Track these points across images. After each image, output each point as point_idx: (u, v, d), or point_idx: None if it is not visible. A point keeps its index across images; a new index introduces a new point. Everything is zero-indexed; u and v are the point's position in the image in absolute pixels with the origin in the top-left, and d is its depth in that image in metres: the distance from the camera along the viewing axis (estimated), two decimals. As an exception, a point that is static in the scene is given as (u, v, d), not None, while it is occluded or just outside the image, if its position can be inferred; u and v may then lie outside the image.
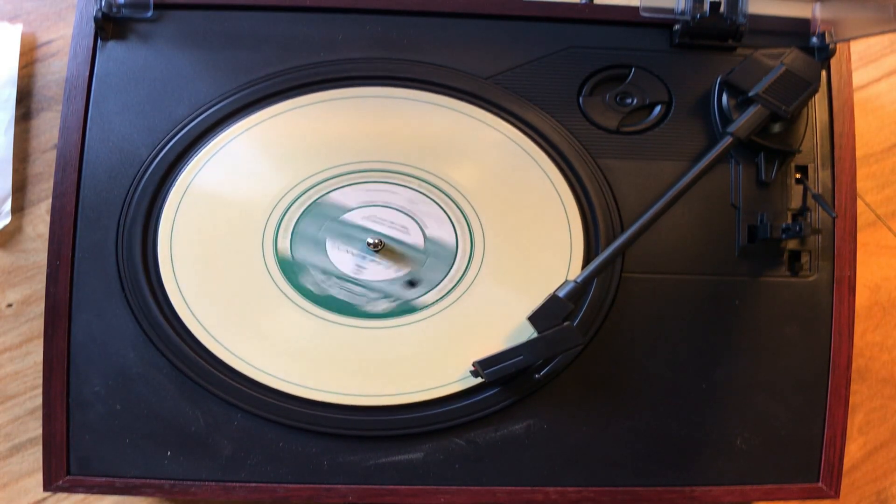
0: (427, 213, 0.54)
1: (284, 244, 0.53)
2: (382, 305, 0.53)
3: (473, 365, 0.51)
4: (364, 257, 0.53)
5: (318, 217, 0.54)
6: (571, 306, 0.50)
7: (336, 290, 0.53)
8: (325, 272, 0.53)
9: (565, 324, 0.50)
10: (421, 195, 0.54)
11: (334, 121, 0.55)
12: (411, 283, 0.53)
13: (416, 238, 0.54)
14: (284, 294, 0.53)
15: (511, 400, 0.52)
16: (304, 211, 0.54)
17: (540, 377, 0.52)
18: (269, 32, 0.55)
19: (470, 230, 0.54)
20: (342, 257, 0.53)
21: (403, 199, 0.54)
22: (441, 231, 0.54)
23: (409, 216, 0.54)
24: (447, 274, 0.54)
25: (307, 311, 0.53)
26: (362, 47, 0.55)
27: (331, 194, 0.54)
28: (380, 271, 0.53)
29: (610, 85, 0.56)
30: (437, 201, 0.54)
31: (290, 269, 0.53)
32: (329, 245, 0.54)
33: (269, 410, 0.52)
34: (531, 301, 0.51)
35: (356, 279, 0.53)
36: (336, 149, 0.54)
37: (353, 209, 0.54)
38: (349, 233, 0.54)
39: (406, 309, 0.53)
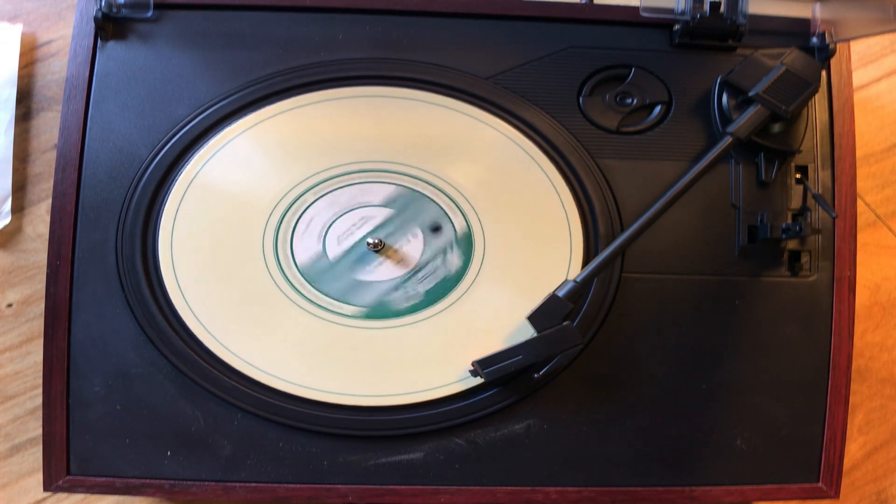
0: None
1: (285, 244, 0.53)
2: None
3: (473, 364, 0.51)
4: (366, 258, 0.53)
5: (319, 217, 0.54)
6: (571, 306, 0.50)
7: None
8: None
9: (565, 323, 0.50)
10: (421, 195, 0.54)
11: (334, 121, 0.55)
12: (435, 229, 0.52)
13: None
14: (285, 294, 0.53)
15: (511, 400, 0.52)
16: (304, 211, 0.54)
17: (539, 377, 0.52)
18: (269, 32, 0.55)
19: (470, 230, 0.54)
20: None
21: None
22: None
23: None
24: (447, 274, 0.54)
25: (307, 310, 0.53)
26: (362, 47, 0.55)
27: (331, 194, 0.54)
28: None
29: (610, 85, 0.56)
30: (437, 201, 0.54)
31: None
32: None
33: (269, 410, 0.52)
34: (531, 301, 0.51)
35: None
36: (336, 149, 0.54)
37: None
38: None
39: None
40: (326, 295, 0.53)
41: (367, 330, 0.53)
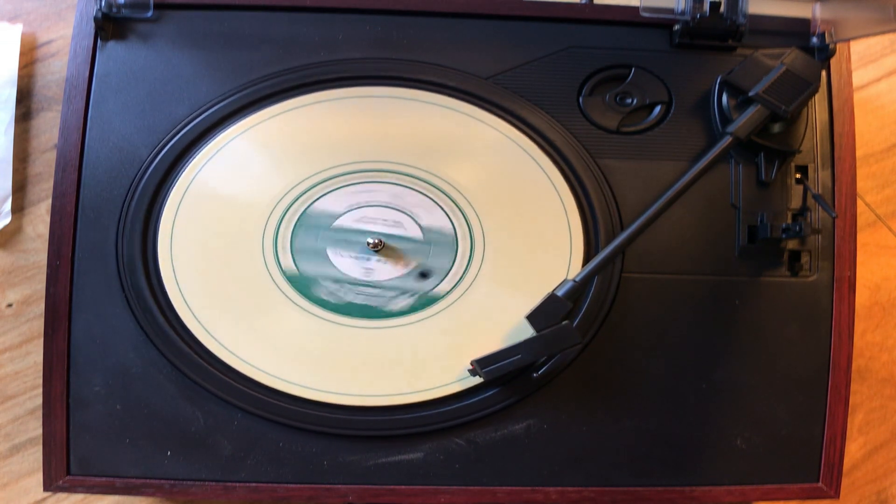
0: (419, 204, 0.54)
1: (285, 244, 0.53)
2: (403, 302, 0.53)
3: (471, 364, 0.51)
4: (367, 259, 0.53)
5: (319, 218, 0.54)
6: (570, 305, 0.50)
7: (352, 296, 0.53)
8: (335, 280, 0.53)
9: (563, 323, 0.50)
10: (420, 194, 0.54)
11: (334, 121, 0.55)
12: (423, 275, 0.53)
13: (413, 231, 0.54)
14: (284, 294, 0.53)
15: (511, 400, 0.52)
16: (304, 211, 0.54)
17: (538, 376, 0.52)
18: (269, 32, 0.55)
19: (470, 230, 0.54)
20: (345, 261, 0.53)
21: (392, 195, 0.54)
22: (435, 219, 0.54)
23: (401, 211, 0.54)
24: (447, 274, 0.54)
25: (307, 311, 0.53)
26: (362, 47, 0.55)
27: (331, 194, 0.54)
28: (386, 270, 0.53)
29: (610, 85, 0.56)
30: (438, 201, 0.54)
31: (295, 277, 0.53)
32: (330, 249, 0.54)
33: (269, 410, 0.52)
34: (531, 301, 0.51)
35: (367, 281, 0.53)
36: (336, 149, 0.54)
37: (350, 211, 0.54)
38: (348, 236, 0.54)
39: (425, 302, 0.53)
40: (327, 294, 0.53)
41: (367, 330, 0.53)
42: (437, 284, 0.53)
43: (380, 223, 0.54)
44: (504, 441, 0.53)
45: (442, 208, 0.54)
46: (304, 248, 0.53)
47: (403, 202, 0.54)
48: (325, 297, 0.53)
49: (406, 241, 0.54)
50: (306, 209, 0.54)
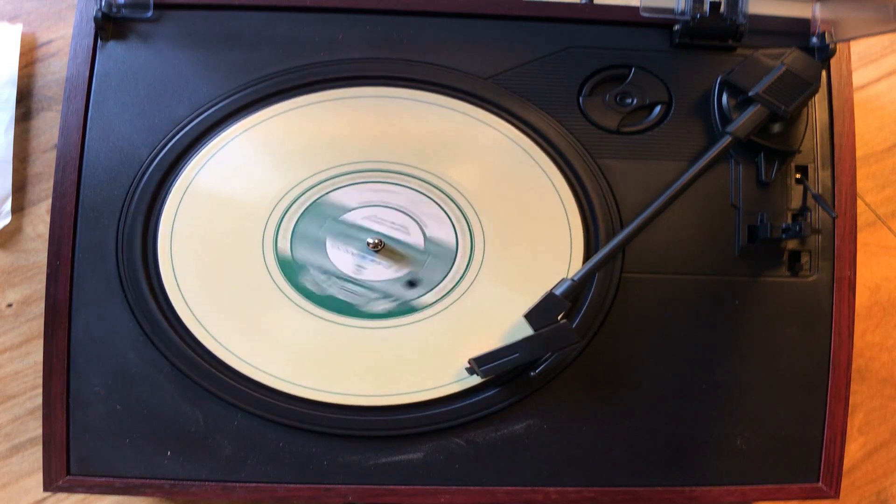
0: (427, 212, 0.54)
1: (284, 244, 0.53)
2: (382, 305, 0.53)
3: (469, 362, 0.51)
4: (364, 257, 0.53)
5: (318, 217, 0.54)
6: (568, 304, 0.50)
7: (336, 290, 0.53)
8: (325, 272, 0.53)
9: (562, 322, 0.50)
10: (421, 195, 0.54)
11: (334, 121, 0.55)
12: (411, 284, 0.53)
13: (416, 238, 0.54)
14: (284, 294, 0.53)
15: (511, 400, 0.52)
16: (304, 211, 0.54)
17: (535, 375, 0.52)
18: (269, 32, 0.55)
19: (470, 230, 0.54)
20: (342, 257, 0.53)
21: (403, 198, 0.54)
22: (441, 231, 0.54)
23: (410, 216, 0.54)
24: (447, 274, 0.54)
25: (307, 311, 0.53)
26: (362, 47, 0.55)
27: (331, 194, 0.54)
28: (380, 271, 0.53)
29: (610, 85, 0.56)
30: (437, 201, 0.54)
31: (290, 269, 0.53)
32: (329, 245, 0.54)
33: (269, 410, 0.52)
34: (531, 301, 0.51)
35: (356, 279, 0.53)
36: (336, 149, 0.54)
37: (352, 209, 0.54)
38: (349, 233, 0.54)
39: (406, 309, 0.53)
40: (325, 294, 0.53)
41: (368, 330, 0.53)
42: (424, 294, 0.53)
43: (387, 225, 0.54)
44: (504, 441, 0.53)
45: (444, 210, 0.54)
46: (304, 236, 0.53)
47: (415, 208, 0.54)
48: (308, 286, 0.53)
49: (406, 246, 0.54)
50: (318, 199, 0.54)
